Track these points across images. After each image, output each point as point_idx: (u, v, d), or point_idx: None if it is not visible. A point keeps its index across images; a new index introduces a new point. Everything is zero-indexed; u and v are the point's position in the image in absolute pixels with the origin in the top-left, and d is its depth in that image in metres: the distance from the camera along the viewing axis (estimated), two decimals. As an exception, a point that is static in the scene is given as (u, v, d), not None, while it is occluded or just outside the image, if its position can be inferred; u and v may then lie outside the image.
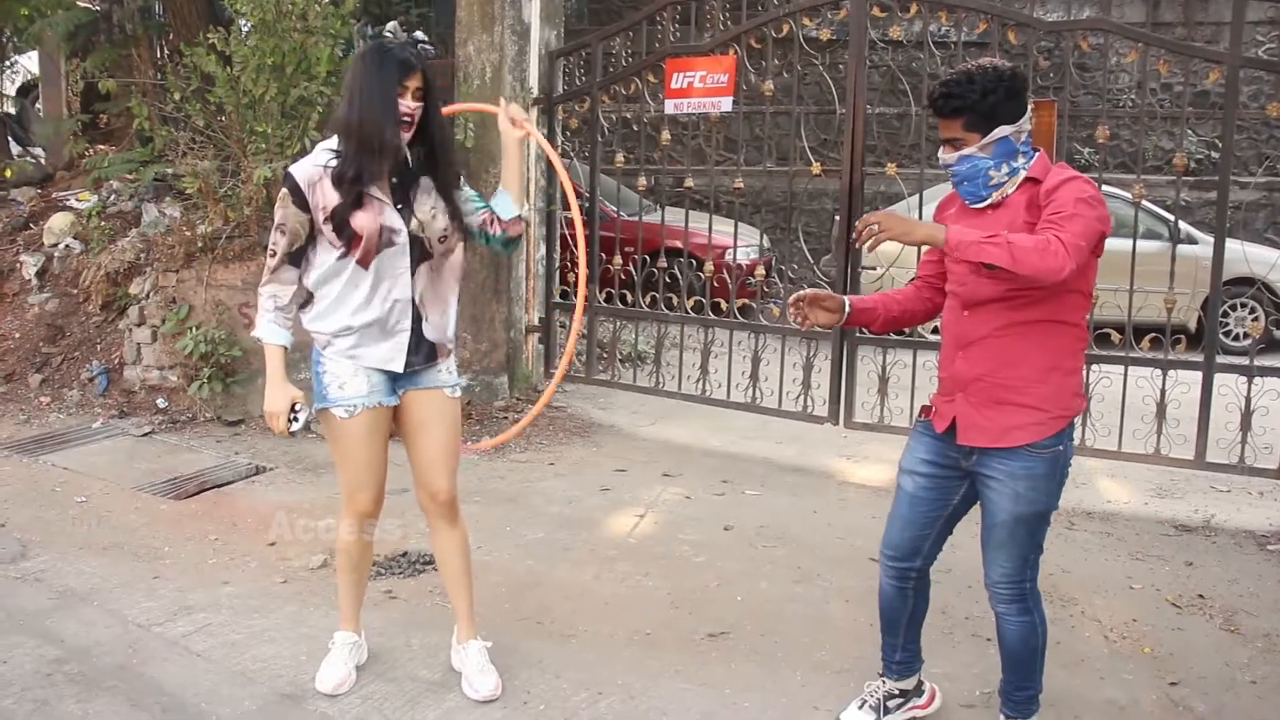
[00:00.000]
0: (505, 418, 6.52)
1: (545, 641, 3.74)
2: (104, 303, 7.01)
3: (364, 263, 3.07)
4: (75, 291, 7.22)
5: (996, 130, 2.78)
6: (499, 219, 3.28)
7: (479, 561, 4.42)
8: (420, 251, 3.13)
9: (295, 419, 3.12)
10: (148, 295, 6.64)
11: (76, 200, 7.88)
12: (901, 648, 3.22)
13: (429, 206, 3.14)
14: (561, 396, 7.08)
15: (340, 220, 3.03)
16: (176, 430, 6.24)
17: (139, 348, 6.68)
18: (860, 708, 3.24)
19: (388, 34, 7.35)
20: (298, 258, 3.11)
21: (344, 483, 3.28)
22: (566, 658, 3.62)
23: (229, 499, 5.18)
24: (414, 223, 3.10)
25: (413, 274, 3.13)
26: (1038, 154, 2.86)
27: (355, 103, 3.02)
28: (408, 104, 3.02)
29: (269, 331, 3.13)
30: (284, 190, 3.08)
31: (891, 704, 3.25)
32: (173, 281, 6.54)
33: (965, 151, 2.81)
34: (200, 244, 6.43)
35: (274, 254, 3.11)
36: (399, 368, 3.16)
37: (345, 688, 3.37)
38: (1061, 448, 2.88)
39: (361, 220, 3.03)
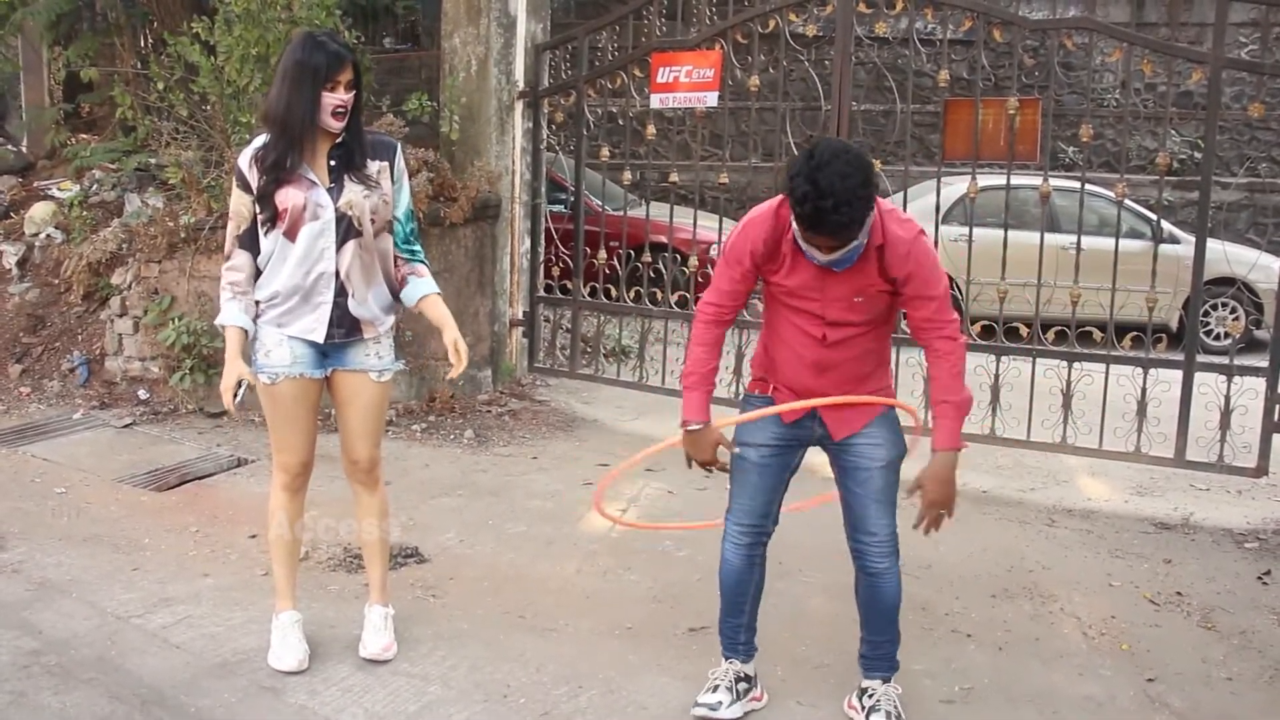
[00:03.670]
0: (489, 411, 6.51)
1: (526, 635, 3.74)
2: (85, 293, 6.95)
3: (290, 235, 3.24)
4: (56, 281, 7.17)
5: (871, 213, 2.81)
6: (403, 284, 3.45)
7: (461, 555, 4.45)
8: (349, 229, 3.27)
9: (238, 394, 3.30)
10: (129, 286, 6.60)
11: (58, 189, 7.82)
12: (746, 626, 3.28)
13: (361, 188, 3.28)
14: (545, 390, 7.08)
15: (263, 198, 3.21)
16: (158, 422, 6.20)
17: (120, 338, 6.63)
18: (714, 691, 3.22)
19: None
20: (249, 240, 3.29)
21: (272, 442, 3.49)
22: (547, 651, 3.62)
23: (210, 491, 5.15)
24: (342, 200, 3.25)
25: (338, 250, 3.27)
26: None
27: (282, 92, 3.19)
28: (340, 96, 3.19)
29: (229, 314, 3.32)
30: (234, 177, 3.32)
31: (740, 688, 3.25)
32: (155, 272, 6.50)
33: (855, 243, 2.81)
34: (183, 234, 6.38)
35: (228, 238, 3.34)
36: (319, 338, 3.31)
37: (306, 663, 3.44)
38: None
39: (284, 196, 3.20)
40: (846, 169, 2.65)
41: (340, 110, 3.20)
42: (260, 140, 3.27)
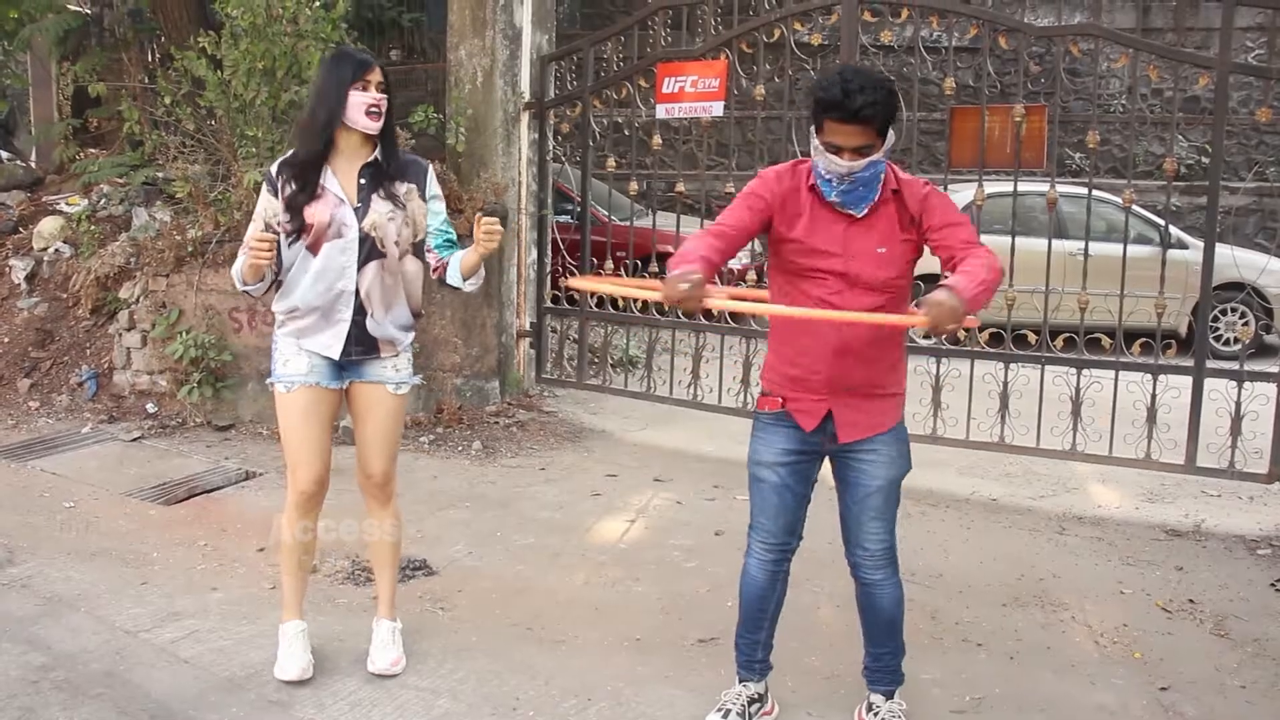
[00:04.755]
0: (496, 422, 6.51)
1: (535, 647, 3.73)
2: (93, 307, 6.97)
3: (313, 249, 3.26)
4: (64, 296, 7.19)
5: (890, 133, 2.83)
6: (445, 273, 3.43)
7: (469, 567, 4.44)
8: (372, 250, 3.29)
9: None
10: (137, 300, 6.62)
11: (66, 204, 7.84)
12: (764, 644, 3.23)
13: (387, 210, 3.29)
14: (552, 401, 7.07)
15: (293, 207, 3.23)
16: (166, 435, 6.21)
17: (128, 352, 6.65)
18: (725, 716, 3.17)
19: None
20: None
21: (286, 458, 3.43)
22: (556, 664, 3.61)
23: (218, 504, 5.15)
24: (367, 221, 3.26)
25: (360, 269, 3.28)
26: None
27: (313, 104, 3.28)
28: (373, 95, 3.22)
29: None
30: (264, 182, 3.35)
31: (753, 709, 3.22)
32: (163, 286, 6.52)
33: (874, 156, 2.80)
34: (190, 248, 6.41)
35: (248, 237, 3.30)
36: (335, 355, 3.32)
37: (310, 672, 3.44)
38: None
39: (313, 211, 3.22)
40: (869, 71, 2.80)
41: (374, 110, 3.21)
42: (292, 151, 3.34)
